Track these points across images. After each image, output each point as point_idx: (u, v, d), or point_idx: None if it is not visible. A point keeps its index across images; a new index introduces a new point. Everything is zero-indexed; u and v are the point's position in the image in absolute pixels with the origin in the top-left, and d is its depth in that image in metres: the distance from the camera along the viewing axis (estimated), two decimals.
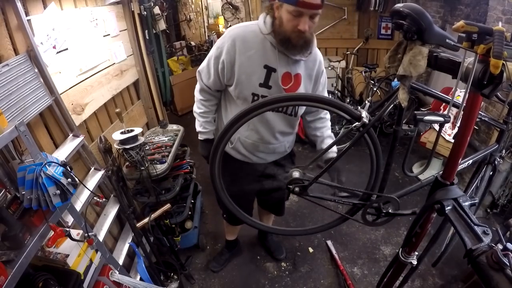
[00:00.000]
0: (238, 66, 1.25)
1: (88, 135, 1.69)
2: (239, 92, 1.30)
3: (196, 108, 1.46)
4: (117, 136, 1.61)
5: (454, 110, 1.12)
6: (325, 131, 1.51)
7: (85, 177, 1.54)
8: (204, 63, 1.37)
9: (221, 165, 1.46)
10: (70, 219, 1.26)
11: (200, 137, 1.48)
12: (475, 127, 1.90)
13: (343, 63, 3.68)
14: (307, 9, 1.09)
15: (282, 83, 1.27)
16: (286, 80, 1.28)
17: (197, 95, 1.44)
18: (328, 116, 1.53)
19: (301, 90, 1.33)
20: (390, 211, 1.12)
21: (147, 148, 1.93)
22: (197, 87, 1.44)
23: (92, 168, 1.60)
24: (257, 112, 0.98)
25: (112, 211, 1.65)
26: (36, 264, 1.16)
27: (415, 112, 0.89)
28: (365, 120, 0.94)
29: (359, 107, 1.01)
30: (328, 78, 4.34)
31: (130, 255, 1.85)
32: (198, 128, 1.48)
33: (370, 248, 2.23)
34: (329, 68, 3.53)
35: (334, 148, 1.51)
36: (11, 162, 1.06)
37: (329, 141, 1.48)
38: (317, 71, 1.36)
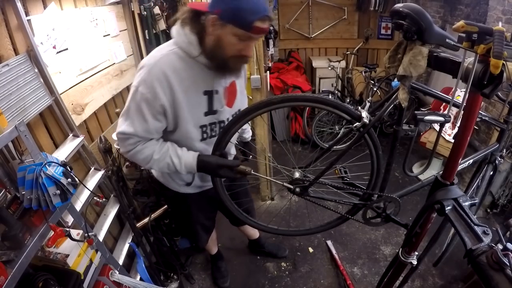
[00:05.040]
0: (180, 103, 1.03)
1: (88, 135, 1.69)
2: (185, 132, 1.10)
3: (146, 161, 1.08)
4: None
5: (454, 110, 1.12)
6: None
7: (85, 177, 1.54)
8: (129, 118, 1.03)
9: (187, 211, 1.47)
10: (70, 219, 1.26)
11: (191, 163, 1.09)
12: (475, 127, 1.90)
13: (343, 63, 3.68)
14: (259, 35, 0.97)
15: (227, 103, 1.17)
16: (225, 96, 1.16)
17: (132, 151, 1.07)
18: None
19: (238, 96, 1.23)
20: (390, 215, 1.12)
21: None
22: (124, 146, 1.07)
23: (92, 168, 1.60)
24: (263, 110, 0.99)
25: (112, 211, 1.65)
26: (36, 264, 1.16)
27: (415, 112, 0.89)
28: (365, 120, 0.95)
29: (359, 107, 1.01)
30: (328, 78, 4.34)
31: (130, 255, 1.85)
32: (175, 168, 1.09)
33: (370, 248, 2.23)
34: (329, 68, 3.53)
35: (248, 127, 1.58)
36: (11, 162, 1.06)
37: (249, 128, 1.57)
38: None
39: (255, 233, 2.11)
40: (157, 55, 1.01)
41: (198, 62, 1.02)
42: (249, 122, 1.48)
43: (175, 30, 1.02)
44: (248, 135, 1.60)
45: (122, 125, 1.05)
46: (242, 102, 1.27)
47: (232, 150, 1.38)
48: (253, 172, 1.11)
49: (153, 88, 0.97)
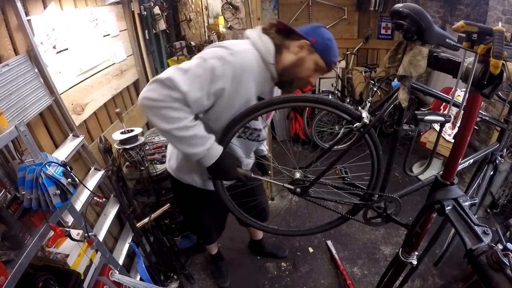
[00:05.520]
0: (239, 97, 1.05)
1: (88, 135, 1.69)
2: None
3: (171, 122, 0.97)
4: (117, 136, 1.61)
5: (454, 110, 1.12)
6: None
7: (85, 177, 1.54)
8: (188, 75, 0.96)
9: (202, 208, 1.46)
10: (70, 219, 1.26)
11: (212, 154, 1.04)
12: (475, 127, 1.90)
13: (343, 63, 3.68)
14: (327, 72, 1.13)
15: (266, 116, 1.22)
16: None
17: (165, 103, 0.95)
18: None
19: (271, 115, 1.32)
20: (390, 215, 1.12)
21: (147, 148, 1.93)
22: (161, 94, 0.95)
23: (92, 168, 1.60)
24: (264, 111, 1.00)
25: (112, 211, 1.65)
26: (36, 264, 1.16)
27: (416, 112, 0.89)
28: (366, 120, 0.95)
29: (359, 107, 1.01)
30: (328, 78, 4.35)
31: (130, 255, 1.85)
32: (197, 148, 1.01)
33: (370, 248, 2.23)
34: None
35: (265, 147, 1.59)
36: (11, 162, 1.06)
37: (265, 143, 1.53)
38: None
39: (259, 234, 2.13)
40: (241, 46, 1.05)
41: (267, 70, 1.08)
42: (265, 143, 1.52)
43: (255, 34, 1.08)
44: (264, 148, 1.61)
45: (177, 76, 0.95)
46: (269, 119, 1.36)
47: (250, 164, 1.41)
48: (253, 175, 1.11)
49: (226, 70, 0.98)
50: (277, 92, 1.23)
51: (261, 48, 1.05)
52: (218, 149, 1.05)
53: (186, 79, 0.96)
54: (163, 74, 0.97)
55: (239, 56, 1.01)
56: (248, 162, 1.39)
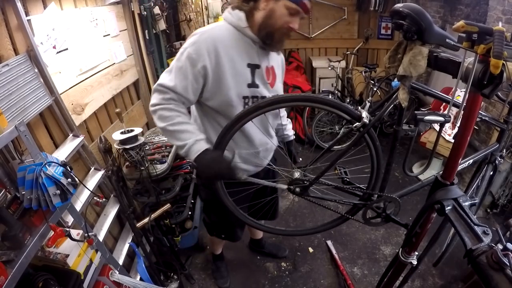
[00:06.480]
0: (223, 68, 1.11)
1: (88, 135, 1.69)
2: (227, 99, 1.15)
3: (165, 120, 1.10)
4: (117, 136, 1.61)
5: (454, 110, 1.12)
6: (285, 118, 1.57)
7: (85, 177, 1.54)
8: (171, 73, 1.11)
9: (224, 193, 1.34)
10: (70, 219, 1.26)
11: (197, 148, 1.07)
12: (475, 127, 1.90)
13: (343, 63, 3.68)
14: (303, 12, 1.11)
15: (267, 78, 1.23)
16: (267, 74, 1.23)
17: (161, 106, 1.10)
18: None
19: (278, 82, 1.31)
20: (390, 215, 1.12)
21: (147, 148, 1.93)
22: (157, 99, 1.11)
23: (92, 168, 1.60)
24: (260, 112, 0.99)
25: (112, 211, 1.65)
26: (36, 264, 1.16)
27: (416, 112, 0.89)
28: (366, 120, 0.95)
29: (359, 107, 1.01)
30: (328, 78, 4.34)
31: (130, 255, 1.85)
32: (185, 140, 1.08)
33: (370, 248, 2.23)
34: (329, 68, 3.53)
35: (290, 131, 1.58)
36: (11, 162, 1.06)
37: (290, 127, 1.58)
38: (282, 61, 1.36)
39: (259, 233, 2.14)
40: (210, 26, 1.17)
41: (245, 36, 1.15)
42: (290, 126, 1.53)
43: (226, 12, 1.18)
44: (289, 132, 1.55)
45: (164, 79, 1.13)
46: (279, 89, 1.35)
47: (270, 144, 1.36)
48: (249, 179, 1.11)
49: (200, 49, 1.08)
50: (271, 58, 1.25)
51: (231, 20, 1.15)
52: (203, 145, 1.09)
53: (171, 77, 1.11)
54: (157, 82, 1.13)
55: (208, 33, 1.11)
56: (266, 141, 1.31)
